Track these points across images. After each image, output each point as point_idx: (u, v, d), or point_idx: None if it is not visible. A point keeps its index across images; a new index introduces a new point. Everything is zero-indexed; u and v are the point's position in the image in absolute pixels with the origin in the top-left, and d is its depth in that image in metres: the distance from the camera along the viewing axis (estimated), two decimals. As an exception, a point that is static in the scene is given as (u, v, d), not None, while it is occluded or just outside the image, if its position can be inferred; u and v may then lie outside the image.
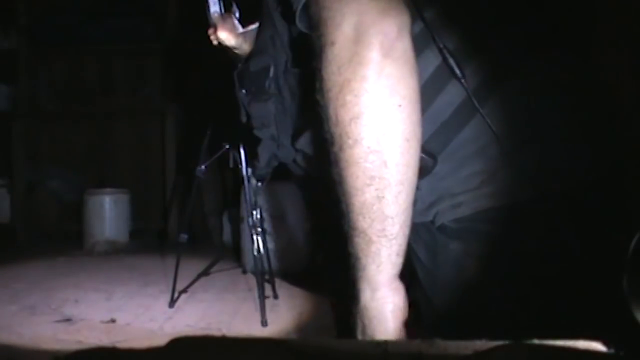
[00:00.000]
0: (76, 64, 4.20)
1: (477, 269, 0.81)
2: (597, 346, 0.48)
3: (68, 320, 2.31)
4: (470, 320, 0.81)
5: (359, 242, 0.70)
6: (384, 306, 0.71)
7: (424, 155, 0.76)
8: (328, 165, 0.71)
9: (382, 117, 0.68)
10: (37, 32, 4.02)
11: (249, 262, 3.02)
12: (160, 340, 0.49)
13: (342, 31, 0.68)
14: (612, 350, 0.48)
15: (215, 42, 1.29)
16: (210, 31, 1.31)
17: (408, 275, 0.90)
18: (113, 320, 2.31)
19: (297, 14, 0.74)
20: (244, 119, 0.95)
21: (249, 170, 2.44)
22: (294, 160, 0.89)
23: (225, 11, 1.54)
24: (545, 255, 0.78)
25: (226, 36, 1.26)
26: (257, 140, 0.90)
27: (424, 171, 0.78)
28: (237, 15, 1.81)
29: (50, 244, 3.75)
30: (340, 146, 0.69)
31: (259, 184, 2.51)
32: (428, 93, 0.76)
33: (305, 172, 0.89)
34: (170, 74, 4.10)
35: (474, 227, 0.81)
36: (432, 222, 0.83)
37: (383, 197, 0.69)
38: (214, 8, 1.31)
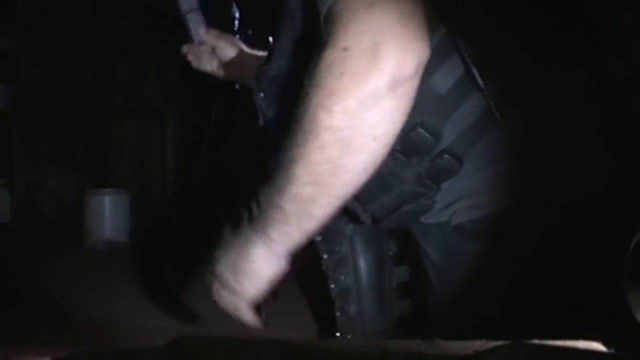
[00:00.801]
0: (76, 64, 4.20)
1: (491, 269, 0.81)
2: (597, 346, 0.48)
3: (68, 320, 2.30)
4: (480, 320, 0.81)
5: (274, 214, 0.73)
6: (268, 262, 0.77)
7: (449, 157, 0.76)
8: (286, 137, 0.71)
9: (353, 141, 0.68)
10: (37, 32, 4.01)
11: (249, 262, 3.01)
12: (160, 340, 0.49)
13: (359, 41, 0.66)
14: (612, 350, 0.48)
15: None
16: (190, 55, 1.19)
17: (415, 277, 0.90)
18: (113, 321, 2.31)
19: (323, 15, 0.70)
20: (261, 122, 0.94)
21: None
22: None
23: (225, 11, 1.47)
24: (557, 258, 0.78)
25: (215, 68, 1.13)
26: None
27: (449, 173, 0.78)
28: (237, 15, 1.79)
29: (50, 244, 3.74)
30: (304, 139, 0.69)
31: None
32: (453, 99, 0.76)
33: None
34: (170, 74, 4.10)
35: (492, 228, 0.81)
36: (448, 221, 0.83)
37: (316, 200, 0.71)
38: (195, 27, 1.11)
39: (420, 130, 0.76)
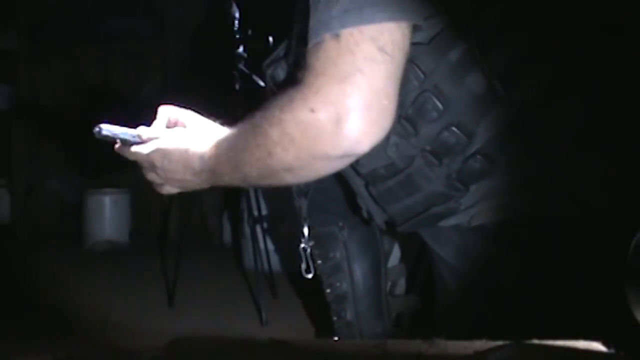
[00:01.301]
0: (76, 64, 4.20)
1: (511, 272, 0.81)
2: (597, 346, 0.48)
3: (68, 320, 2.30)
4: (491, 320, 0.81)
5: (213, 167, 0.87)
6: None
7: (481, 158, 0.76)
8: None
9: (296, 175, 0.77)
10: (37, 32, 4.01)
11: (248, 262, 3.01)
12: (160, 340, 0.49)
13: (326, 110, 0.70)
14: (612, 350, 0.48)
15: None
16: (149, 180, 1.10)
17: (423, 278, 0.90)
18: (113, 321, 2.31)
19: (309, 46, 0.73)
20: None
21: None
22: None
23: (225, 11, 1.46)
24: (575, 265, 0.78)
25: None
26: None
27: (480, 175, 0.78)
28: (237, 15, 1.78)
29: (50, 244, 3.74)
30: (246, 137, 0.80)
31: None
32: (488, 99, 0.76)
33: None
34: (170, 74, 4.10)
35: (515, 231, 0.80)
36: (468, 222, 0.82)
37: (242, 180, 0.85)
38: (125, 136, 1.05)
39: (455, 129, 0.76)
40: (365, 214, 0.90)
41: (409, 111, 0.77)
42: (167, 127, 1.05)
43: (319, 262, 1.07)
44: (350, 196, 0.94)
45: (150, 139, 0.99)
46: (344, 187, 0.95)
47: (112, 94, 4.21)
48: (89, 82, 4.21)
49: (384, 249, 1.12)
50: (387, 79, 0.70)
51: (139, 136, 1.03)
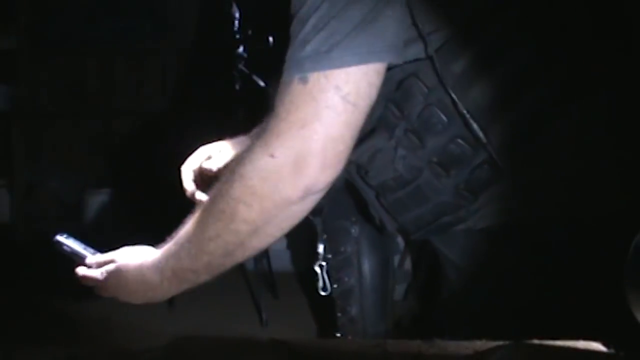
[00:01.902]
0: (76, 64, 4.19)
1: (518, 274, 0.81)
2: (597, 346, 0.48)
3: (68, 320, 2.30)
4: (497, 321, 0.81)
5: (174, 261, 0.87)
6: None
7: (488, 167, 0.76)
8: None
9: (264, 230, 0.79)
10: (37, 32, 4.01)
11: (249, 262, 3.01)
12: (160, 340, 0.49)
13: (286, 155, 0.73)
14: (612, 350, 0.48)
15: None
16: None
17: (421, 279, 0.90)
18: (113, 321, 2.31)
19: (280, 81, 0.76)
20: None
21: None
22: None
23: (225, 11, 1.44)
24: (581, 268, 0.78)
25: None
26: None
27: (488, 184, 0.78)
28: (237, 15, 1.78)
29: (50, 244, 3.74)
30: (207, 212, 0.82)
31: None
32: (485, 119, 0.76)
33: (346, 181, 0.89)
34: (170, 74, 4.10)
35: (516, 233, 0.81)
36: (475, 224, 0.82)
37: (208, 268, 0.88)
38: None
39: (460, 141, 0.76)
40: (377, 222, 0.91)
41: (415, 124, 0.77)
42: (195, 180, 1.10)
43: (329, 256, 1.07)
44: (363, 206, 0.94)
45: (105, 263, 1.00)
46: (356, 198, 0.95)
47: (112, 93, 4.21)
48: (89, 82, 4.21)
49: (392, 248, 1.12)
50: (345, 127, 0.73)
51: (93, 256, 1.05)
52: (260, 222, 0.77)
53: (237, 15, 2.31)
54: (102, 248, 1.06)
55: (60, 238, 1.04)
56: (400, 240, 1.20)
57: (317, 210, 0.96)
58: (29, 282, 2.89)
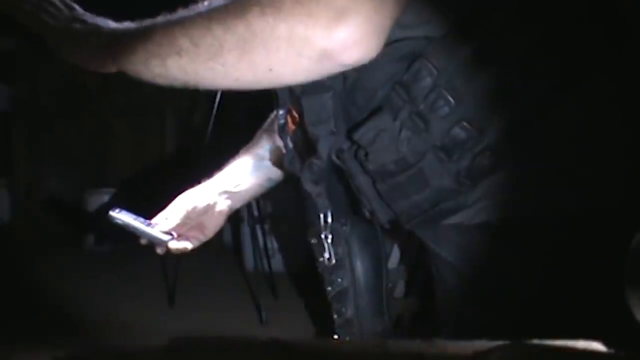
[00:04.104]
0: (76, 64, 4.19)
1: (515, 271, 0.81)
2: (597, 346, 0.48)
3: (68, 320, 2.31)
4: (492, 320, 0.80)
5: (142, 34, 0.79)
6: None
7: (490, 154, 0.76)
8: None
9: (253, 53, 0.69)
10: (37, 32, 4.00)
11: (248, 262, 3.02)
12: (160, 340, 0.49)
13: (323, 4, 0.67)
14: (612, 350, 0.48)
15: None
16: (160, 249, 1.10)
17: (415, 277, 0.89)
18: (113, 321, 2.31)
19: None
20: (281, 122, 0.94)
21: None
22: (341, 152, 0.86)
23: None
24: (578, 265, 0.78)
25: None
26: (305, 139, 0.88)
27: (488, 172, 0.78)
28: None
29: (50, 244, 3.75)
30: (231, 14, 0.70)
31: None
32: (491, 104, 0.76)
33: (347, 166, 0.87)
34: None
35: (515, 229, 0.80)
36: (470, 219, 0.82)
37: (180, 56, 0.74)
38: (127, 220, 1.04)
39: (466, 124, 0.75)
40: (367, 213, 0.90)
41: (420, 107, 0.77)
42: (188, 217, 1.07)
43: (320, 259, 1.07)
44: (351, 196, 0.94)
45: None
46: (345, 187, 0.94)
47: (112, 93, 4.21)
48: (89, 82, 4.21)
49: (384, 247, 1.12)
50: (390, 11, 0.69)
51: (151, 224, 1.05)
52: (258, 37, 0.68)
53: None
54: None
55: (113, 213, 1.05)
56: (388, 243, 1.19)
57: (317, 178, 0.94)
58: (29, 281, 2.89)
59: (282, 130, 0.96)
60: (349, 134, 0.82)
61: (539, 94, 0.76)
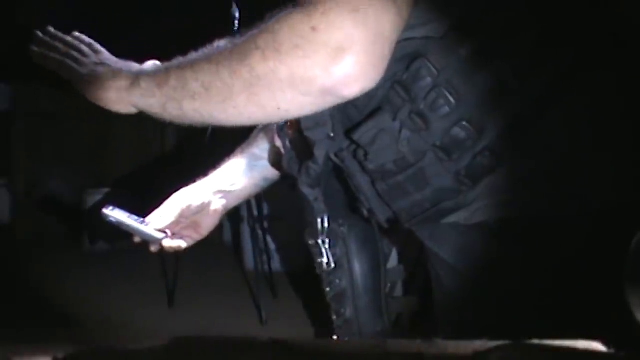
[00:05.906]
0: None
1: (513, 271, 0.81)
2: (597, 346, 0.48)
3: (68, 320, 2.30)
4: (490, 320, 0.80)
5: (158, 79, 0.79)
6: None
7: (489, 154, 0.76)
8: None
9: (261, 95, 0.71)
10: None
11: (248, 262, 3.02)
12: (160, 340, 0.49)
13: (330, 34, 0.67)
14: (612, 350, 0.48)
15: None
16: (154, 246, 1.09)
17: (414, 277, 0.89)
18: (113, 321, 2.31)
19: None
20: (281, 123, 0.95)
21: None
22: (340, 151, 0.86)
23: (225, 11, 1.44)
24: (579, 266, 0.77)
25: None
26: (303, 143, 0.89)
27: (487, 172, 0.77)
28: (237, 15, 1.77)
29: (49, 244, 3.75)
30: (236, 57, 0.72)
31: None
32: (491, 103, 0.76)
33: (346, 165, 0.87)
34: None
35: (514, 229, 0.80)
36: (468, 219, 0.82)
37: (193, 99, 0.75)
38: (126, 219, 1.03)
39: (466, 124, 0.75)
40: (365, 213, 0.89)
41: (420, 106, 0.77)
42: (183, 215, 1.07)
43: (319, 260, 1.07)
44: (349, 195, 0.93)
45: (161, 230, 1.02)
46: (343, 186, 0.94)
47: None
48: (89, 82, 4.20)
49: (383, 247, 1.12)
50: (394, 26, 0.69)
51: (144, 222, 1.04)
52: (262, 80, 0.70)
53: (237, 15, 2.31)
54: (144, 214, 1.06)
55: (107, 211, 1.04)
56: (387, 242, 1.19)
57: (314, 182, 0.94)
58: (29, 282, 2.89)
59: (281, 131, 0.96)
60: (349, 134, 0.82)
61: (539, 93, 0.76)
